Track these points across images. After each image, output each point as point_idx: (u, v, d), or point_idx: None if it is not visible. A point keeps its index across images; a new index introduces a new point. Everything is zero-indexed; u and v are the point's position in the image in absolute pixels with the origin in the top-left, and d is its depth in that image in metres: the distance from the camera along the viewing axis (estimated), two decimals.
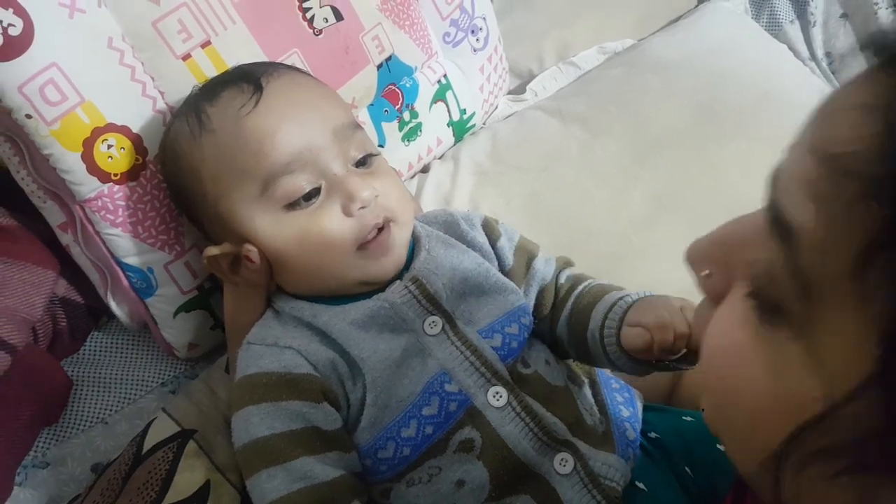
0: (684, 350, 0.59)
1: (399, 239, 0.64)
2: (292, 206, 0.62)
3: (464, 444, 0.60)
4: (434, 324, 0.62)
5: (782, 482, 0.32)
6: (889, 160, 0.27)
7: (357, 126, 0.67)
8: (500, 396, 0.61)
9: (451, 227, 0.70)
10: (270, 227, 0.62)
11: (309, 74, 0.72)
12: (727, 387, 0.36)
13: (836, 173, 0.29)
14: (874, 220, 0.27)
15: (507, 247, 0.70)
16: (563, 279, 0.71)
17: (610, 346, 0.62)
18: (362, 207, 0.61)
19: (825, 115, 0.32)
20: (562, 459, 0.60)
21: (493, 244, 0.70)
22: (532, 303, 0.69)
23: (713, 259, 0.39)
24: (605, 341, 0.63)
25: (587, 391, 0.68)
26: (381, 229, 0.63)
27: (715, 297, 0.39)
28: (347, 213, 0.62)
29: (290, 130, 0.62)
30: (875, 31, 0.31)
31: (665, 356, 0.59)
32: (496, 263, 0.69)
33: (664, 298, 0.61)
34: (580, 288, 0.68)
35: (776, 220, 0.32)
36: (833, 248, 0.29)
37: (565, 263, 0.73)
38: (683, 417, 0.70)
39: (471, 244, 0.69)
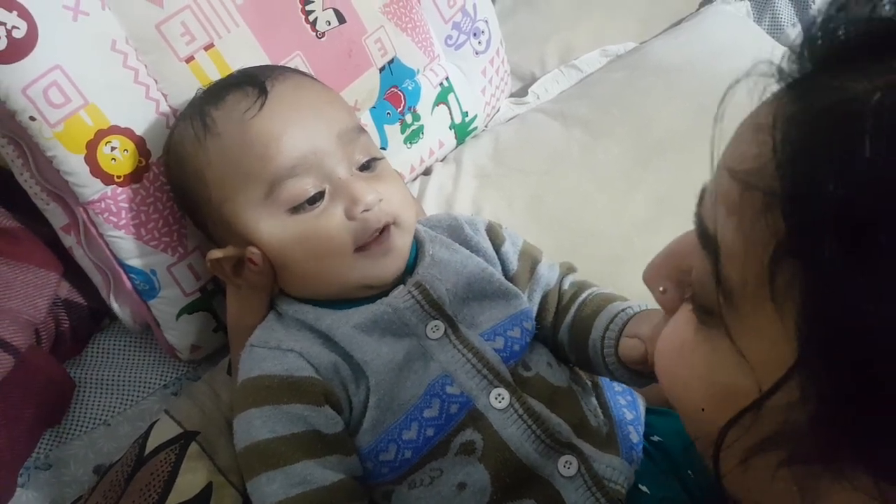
0: None
1: (400, 242, 0.65)
2: (296, 209, 0.62)
3: (465, 446, 0.60)
4: (436, 328, 0.63)
5: (727, 470, 0.35)
6: (783, 175, 0.30)
7: (361, 130, 0.67)
8: (503, 399, 0.61)
9: (455, 231, 0.70)
10: (274, 229, 0.62)
11: (313, 78, 0.72)
12: (673, 381, 0.41)
13: (742, 188, 0.32)
14: (778, 230, 0.30)
15: (510, 252, 0.71)
16: (566, 285, 0.71)
17: (609, 356, 0.62)
18: (366, 210, 0.61)
19: (736, 136, 0.35)
20: (566, 462, 0.60)
21: (496, 249, 0.70)
22: (535, 308, 0.69)
23: (665, 275, 0.43)
24: (605, 352, 0.63)
25: (591, 393, 0.68)
26: (382, 232, 0.63)
27: (672, 311, 0.43)
28: (350, 216, 0.62)
29: (295, 134, 0.62)
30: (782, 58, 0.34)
31: None
32: (500, 268, 0.69)
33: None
34: (583, 296, 0.68)
35: (702, 232, 0.36)
36: (746, 256, 0.32)
37: (568, 269, 0.73)
38: None
39: (475, 249, 0.69)
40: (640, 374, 0.61)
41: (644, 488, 0.62)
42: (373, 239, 0.62)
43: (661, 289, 0.43)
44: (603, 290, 0.69)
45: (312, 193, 0.62)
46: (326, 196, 0.62)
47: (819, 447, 0.31)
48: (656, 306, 0.62)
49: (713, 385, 0.36)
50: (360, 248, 0.62)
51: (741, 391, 0.33)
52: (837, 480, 0.31)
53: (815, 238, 0.28)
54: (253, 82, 0.65)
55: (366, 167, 0.65)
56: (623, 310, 0.64)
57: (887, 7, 0.31)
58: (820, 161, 0.29)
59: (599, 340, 0.63)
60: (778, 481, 0.33)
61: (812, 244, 0.29)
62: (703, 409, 0.37)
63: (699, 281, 0.36)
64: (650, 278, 0.44)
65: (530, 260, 0.71)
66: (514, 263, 0.70)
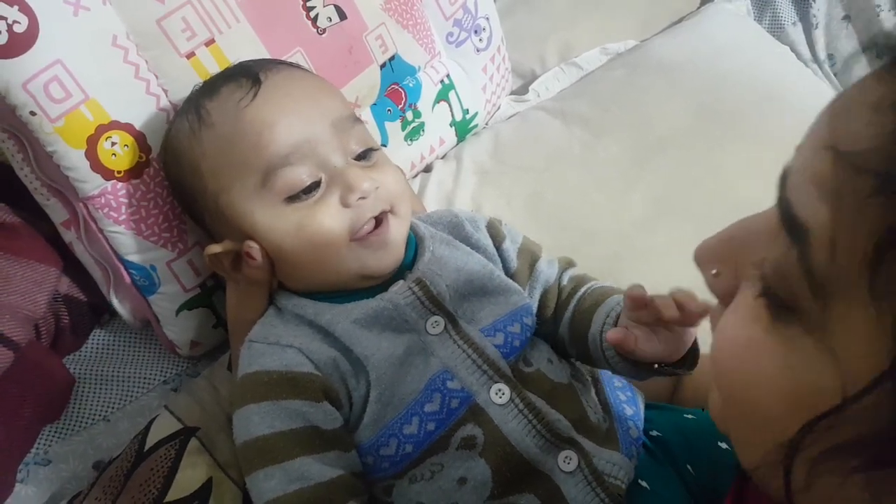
0: (682, 354, 0.59)
1: (397, 232, 0.64)
2: (292, 199, 0.62)
3: (466, 440, 0.60)
4: (436, 323, 0.62)
5: (794, 477, 0.33)
6: None
7: (356, 119, 0.67)
8: (503, 394, 0.61)
9: (455, 228, 0.70)
10: (270, 219, 0.62)
11: (308, 70, 0.72)
12: (740, 381, 0.37)
13: (849, 170, 0.29)
14: (888, 216, 0.28)
15: (511, 249, 0.71)
16: (565, 280, 0.71)
17: (608, 349, 0.62)
18: (361, 198, 0.61)
19: (837, 114, 0.32)
20: (566, 457, 0.60)
21: (497, 246, 0.70)
22: (536, 305, 0.69)
23: (721, 258, 0.40)
24: (604, 345, 0.63)
25: (590, 389, 0.68)
26: (379, 222, 0.63)
27: (724, 295, 0.40)
28: (345, 203, 0.61)
29: (288, 122, 0.62)
30: (879, 32, 0.32)
31: (662, 358, 0.59)
32: (500, 266, 0.69)
33: None
34: (582, 290, 0.69)
35: (788, 218, 0.33)
36: (846, 244, 0.29)
37: (568, 264, 0.73)
38: (685, 415, 0.70)
39: (475, 246, 0.69)
40: (640, 366, 0.61)
41: (644, 483, 0.62)
42: (370, 229, 0.62)
43: (713, 271, 0.40)
44: (601, 284, 0.70)
45: (308, 182, 0.61)
46: (322, 185, 0.62)
47: None
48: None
49: (790, 386, 0.33)
50: (358, 238, 0.62)
51: (822, 393, 0.31)
52: None
53: None
54: (247, 73, 0.65)
55: (362, 157, 0.65)
56: (620, 302, 0.64)
57: None
58: None
59: (598, 334, 0.63)
60: (849, 488, 0.31)
61: None
62: (771, 413, 0.34)
63: (778, 272, 0.33)
64: (703, 259, 0.41)
65: (529, 257, 0.71)
66: (514, 261, 0.70)
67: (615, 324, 0.62)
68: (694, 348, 0.60)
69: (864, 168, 0.29)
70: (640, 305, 0.57)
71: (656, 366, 0.60)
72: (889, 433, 0.29)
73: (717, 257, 0.40)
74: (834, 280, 0.30)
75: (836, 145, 0.30)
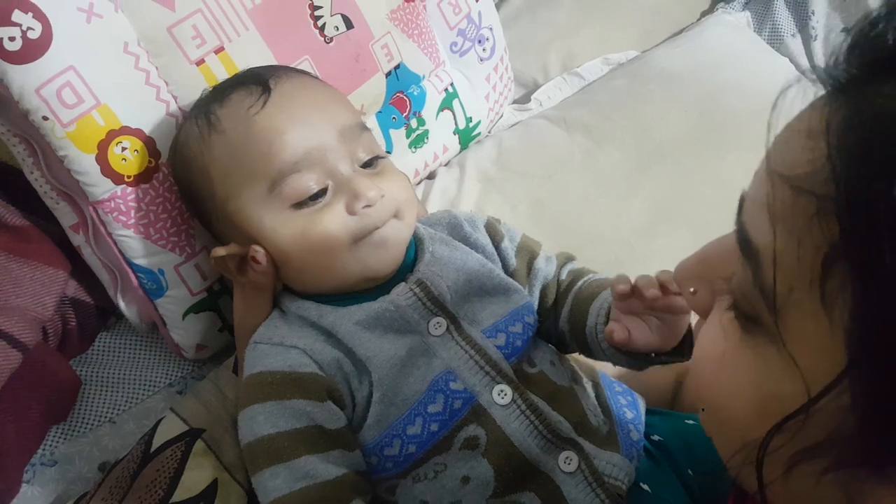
0: (676, 343, 0.60)
1: (399, 234, 0.65)
2: (299, 205, 0.63)
3: (469, 441, 0.61)
4: (438, 325, 0.63)
5: (770, 478, 0.35)
6: (838, 180, 0.30)
7: (364, 127, 0.68)
8: (505, 394, 0.61)
9: (454, 228, 0.71)
10: (277, 225, 0.63)
11: (316, 77, 0.73)
12: (716, 390, 0.40)
13: (794, 193, 0.32)
14: (831, 233, 0.30)
15: (509, 248, 0.71)
16: (563, 275, 0.72)
17: (604, 342, 0.63)
18: (367, 206, 0.62)
19: (778, 142, 0.35)
20: (566, 458, 0.60)
21: (496, 246, 0.71)
22: (536, 301, 0.70)
23: (697, 277, 0.43)
24: (600, 337, 0.63)
25: (591, 392, 0.69)
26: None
27: (702, 312, 0.43)
28: (351, 211, 0.62)
29: (298, 130, 0.63)
30: (825, 62, 0.34)
31: (657, 348, 0.60)
32: (500, 265, 0.70)
33: None
34: (579, 283, 0.69)
35: (742, 240, 0.36)
36: (792, 261, 0.32)
37: (567, 259, 0.74)
38: (686, 420, 0.71)
39: (474, 246, 0.70)
40: (636, 356, 0.62)
41: (645, 487, 0.63)
42: (372, 231, 0.63)
43: (691, 290, 0.43)
44: (597, 277, 0.70)
45: (316, 190, 0.62)
46: (329, 192, 0.63)
47: (868, 451, 0.31)
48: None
49: (760, 393, 0.36)
50: (359, 239, 0.63)
51: (789, 397, 0.33)
52: (883, 484, 0.31)
53: (871, 241, 0.29)
54: (257, 80, 0.66)
55: (368, 164, 0.66)
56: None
57: None
58: (878, 166, 0.29)
59: (595, 327, 0.64)
60: (823, 487, 0.33)
61: (868, 248, 0.29)
62: (746, 418, 0.37)
63: (741, 289, 0.36)
64: (681, 279, 0.45)
65: (528, 255, 0.72)
66: (513, 260, 0.71)
67: (607, 316, 0.63)
68: (689, 336, 0.61)
69: (805, 190, 0.31)
70: (626, 296, 0.59)
71: (653, 355, 0.61)
72: (852, 433, 0.31)
73: (693, 276, 0.44)
74: (787, 294, 0.33)
75: (779, 171, 0.33)
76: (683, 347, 0.60)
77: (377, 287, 0.65)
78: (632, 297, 0.58)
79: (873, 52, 0.32)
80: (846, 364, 0.30)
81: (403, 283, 0.65)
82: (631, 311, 0.60)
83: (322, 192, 0.63)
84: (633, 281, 0.59)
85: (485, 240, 0.71)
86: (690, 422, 0.71)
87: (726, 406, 0.39)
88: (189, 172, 0.67)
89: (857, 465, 0.32)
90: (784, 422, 0.33)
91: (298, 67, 0.78)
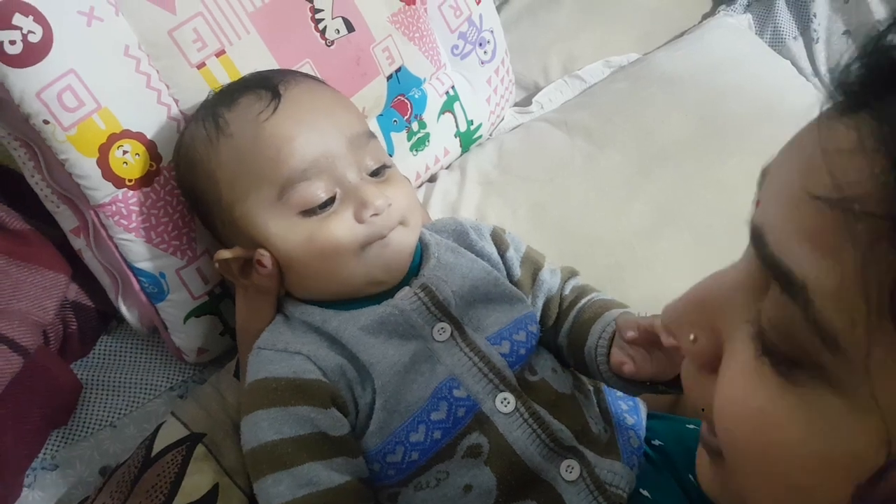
0: (677, 372, 0.59)
1: (405, 242, 0.65)
2: (307, 213, 0.63)
3: (471, 449, 0.60)
4: (443, 330, 0.63)
5: None
6: None
7: (371, 135, 0.68)
8: (508, 403, 0.61)
9: (460, 235, 0.71)
10: (284, 231, 0.63)
11: (324, 83, 0.73)
12: (760, 453, 0.34)
13: (845, 218, 0.28)
14: None
15: (514, 258, 0.71)
16: (567, 290, 0.71)
17: (602, 365, 0.63)
18: (374, 215, 0.62)
19: (812, 163, 0.31)
20: (568, 466, 0.60)
21: (501, 255, 0.71)
22: (538, 314, 0.70)
23: (695, 322, 0.38)
24: (598, 360, 0.64)
25: (592, 399, 0.69)
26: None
27: (704, 360, 0.37)
28: (359, 219, 0.62)
29: (308, 137, 0.63)
30: (839, 72, 0.32)
31: (656, 377, 0.60)
32: (504, 274, 0.70)
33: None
34: (582, 302, 0.69)
35: (781, 275, 0.31)
36: (856, 292, 0.28)
37: (570, 274, 0.74)
38: (687, 425, 0.71)
39: (479, 254, 0.70)
40: (632, 382, 0.61)
41: (646, 493, 0.63)
42: (379, 238, 0.63)
43: (690, 337, 0.38)
44: (602, 297, 0.70)
45: (325, 199, 0.62)
46: (337, 200, 0.63)
47: None
48: (658, 313, 0.63)
49: (823, 450, 0.31)
50: (366, 246, 0.63)
51: (865, 450, 0.29)
52: None
53: None
54: (266, 85, 0.66)
55: (376, 173, 0.66)
56: (616, 319, 0.64)
57: None
58: None
59: (594, 348, 0.64)
60: None
61: None
62: (808, 483, 0.32)
63: (779, 330, 0.31)
64: (675, 325, 0.39)
65: (533, 266, 0.72)
66: (518, 270, 0.71)
67: (609, 341, 0.63)
68: None
69: (864, 214, 0.28)
70: (634, 341, 0.59)
71: (648, 383, 0.61)
72: None
73: (690, 321, 0.38)
74: (848, 330, 0.28)
75: (823, 195, 0.29)
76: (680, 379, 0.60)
77: (382, 291, 0.65)
78: (637, 337, 0.59)
79: (890, 63, 0.30)
80: None
81: (408, 288, 0.65)
82: (634, 343, 0.60)
83: (330, 201, 0.63)
84: (639, 327, 0.59)
85: (490, 248, 0.71)
86: (691, 426, 0.71)
87: (777, 472, 0.33)
88: (194, 175, 0.67)
89: None
90: (871, 480, 0.29)
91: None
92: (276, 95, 0.64)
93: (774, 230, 0.32)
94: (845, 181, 0.29)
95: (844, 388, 0.29)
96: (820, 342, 0.29)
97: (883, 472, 0.28)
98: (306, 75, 0.73)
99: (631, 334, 0.59)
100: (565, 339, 0.69)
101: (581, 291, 0.71)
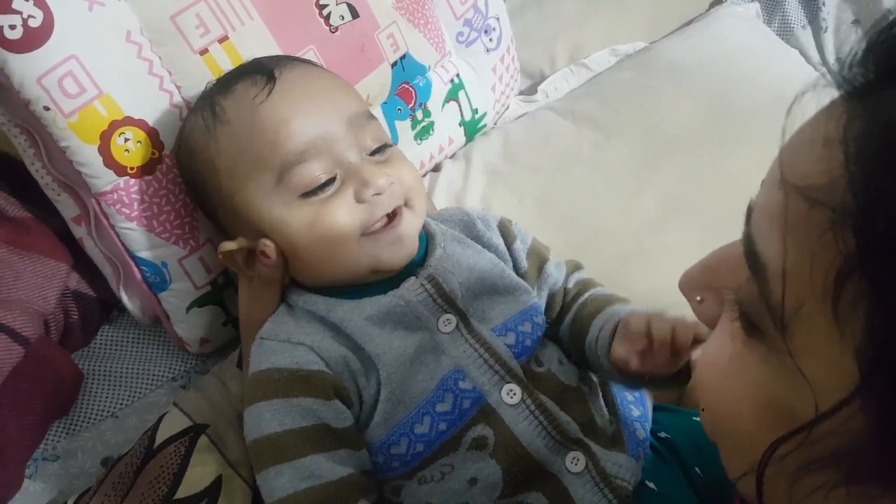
0: (676, 369, 0.59)
1: (411, 226, 0.64)
2: (307, 195, 0.62)
3: (477, 441, 0.60)
4: (448, 321, 0.62)
5: (776, 490, 0.35)
6: (855, 190, 0.29)
7: (371, 116, 0.67)
8: (514, 394, 0.61)
9: (467, 226, 0.71)
10: (285, 216, 0.62)
11: (322, 67, 0.72)
12: (720, 395, 0.39)
13: (806, 205, 0.31)
14: (846, 247, 0.29)
15: (521, 250, 0.71)
16: (571, 284, 0.71)
17: (603, 358, 0.63)
18: (376, 194, 0.61)
19: (790, 151, 0.34)
20: (574, 458, 0.60)
21: (508, 246, 0.70)
22: (543, 306, 0.69)
23: (703, 286, 0.43)
24: (599, 353, 0.63)
25: (598, 391, 0.68)
26: (392, 216, 0.63)
27: (709, 321, 0.42)
28: (360, 199, 0.62)
29: (304, 119, 0.62)
30: (836, 64, 0.33)
31: (655, 372, 0.59)
32: (511, 265, 0.70)
33: (657, 314, 0.60)
34: (585, 296, 0.69)
35: (749, 253, 0.35)
36: (804, 275, 0.31)
37: (575, 267, 0.73)
38: (693, 417, 0.70)
39: (487, 245, 0.69)
40: (633, 377, 0.61)
41: (651, 485, 0.62)
42: (382, 224, 0.62)
43: (697, 298, 0.43)
44: (604, 292, 0.70)
45: (324, 179, 0.61)
46: (337, 181, 0.62)
47: (881, 469, 0.30)
48: (660, 309, 0.63)
49: (765, 400, 0.35)
50: (369, 233, 0.62)
51: (796, 408, 0.33)
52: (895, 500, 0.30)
53: (889, 256, 0.28)
54: (261, 70, 0.65)
55: (377, 152, 0.65)
56: (618, 313, 0.64)
57: None
58: None
59: (594, 342, 0.64)
60: (832, 501, 0.32)
61: (885, 263, 0.28)
62: (750, 425, 0.36)
63: (748, 300, 0.35)
64: (686, 288, 0.44)
65: (538, 259, 0.71)
66: (524, 262, 0.70)
67: (610, 336, 0.62)
68: (687, 366, 0.60)
69: (820, 202, 0.30)
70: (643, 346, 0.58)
71: (647, 378, 0.60)
72: (863, 449, 0.30)
73: (699, 285, 0.43)
74: (796, 308, 0.32)
75: (790, 181, 0.32)
76: (681, 375, 0.60)
77: (386, 280, 0.64)
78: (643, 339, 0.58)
79: (890, 56, 0.31)
80: (859, 381, 0.29)
81: (414, 278, 0.64)
82: (636, 343, 0.59)
83: (330, 181, 0.62)
84: (646, 320, 0.58)
85: (497, 239, 0.70)
86: (697, 419, 0.70)
87: (731, 412, 0.38)
88: (195, 165, 0.66)
89: (869, 482, 0.31)
90: (789, 435, 0.33)
91: (303, 57, 0.77)
92: (272, 79, 0.64)
93: (757, 210, 0.35)
94: (814, 170, 0.31)
95: (788, 355, 0.33)
96: (769, 317, 0.33)
97: (801, 428, 0.32)
98: (304, 60, 0.72)
99: (642, 344, 0.58)
100: (566, 333, 0.68)
101: (584, 285, 0.71)
